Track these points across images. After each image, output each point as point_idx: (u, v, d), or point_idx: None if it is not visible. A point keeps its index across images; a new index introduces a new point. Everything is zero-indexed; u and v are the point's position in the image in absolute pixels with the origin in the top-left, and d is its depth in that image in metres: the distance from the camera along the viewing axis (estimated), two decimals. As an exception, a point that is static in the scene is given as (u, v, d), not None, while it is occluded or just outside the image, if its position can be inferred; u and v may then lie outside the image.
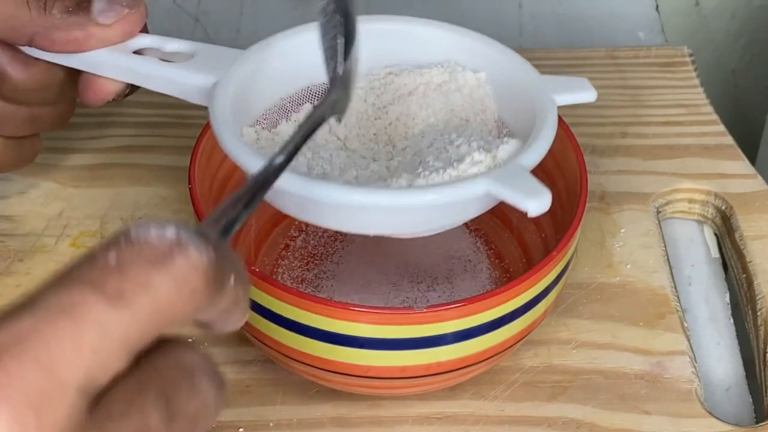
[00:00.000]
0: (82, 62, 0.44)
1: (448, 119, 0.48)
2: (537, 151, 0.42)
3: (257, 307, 0.43)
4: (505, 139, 0.44)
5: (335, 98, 0.39)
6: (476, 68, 0.49)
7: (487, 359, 0.44)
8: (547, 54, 0.67)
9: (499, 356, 0.45)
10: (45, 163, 0.58)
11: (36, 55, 0.45)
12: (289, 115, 0.47)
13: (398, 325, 0.42)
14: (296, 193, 0.39)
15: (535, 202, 0.38)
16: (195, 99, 0.45)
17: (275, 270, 0.52)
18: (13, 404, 0.21)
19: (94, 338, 0.23)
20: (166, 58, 0.46)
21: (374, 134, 0.48)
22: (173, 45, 0.46)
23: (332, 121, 0.44)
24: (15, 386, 0.21)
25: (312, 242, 0.53)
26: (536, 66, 0.48)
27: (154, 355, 0.26)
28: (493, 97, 0.48)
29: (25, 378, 0.22)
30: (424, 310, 0.41)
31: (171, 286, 0.25)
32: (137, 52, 0.45)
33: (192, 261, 0.25)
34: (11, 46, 0.45)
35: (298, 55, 0.47)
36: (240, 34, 0.72)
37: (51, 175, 0.58)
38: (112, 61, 0.44)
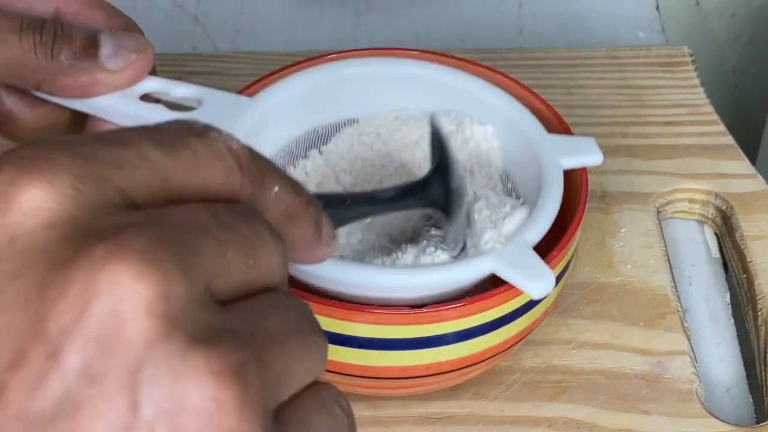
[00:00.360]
0: (89, 107, 0.44)
1: None
2: (541, 228, 0.42)
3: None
4: (510, 207, 0.44)
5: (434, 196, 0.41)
6: (484, 120, 0.49)
7: (487, 359, 0.44)
8: (547, 54, 0.67)
9: (499, 356, 0.45)
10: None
11: (43, 97, 0.44)
12: (296, 160, 0.48)
13: (398, 325, 0.41)
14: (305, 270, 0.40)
15: (539, 284, 0.40)
16: None
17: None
18: (53, 181, 0.24)
19: (135, 160, 0.25)
20: (173, 101, 0.46)
21: (379, 181, 0.48)
22: (180, 90, 0.45)
23: (339, 171, 0.45)
24: (58, 169, 0.24)
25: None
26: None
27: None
28: (499, 151, 0.48)
29: (70, 167, 0.24)
30: (424, 310, 0.41)
31: (207, 150, 0.26)
32: (144, 96, 0.45)
33: (225, 140, 0.27)
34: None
35: (301, 100, 0.47)
36: (240, 34, 0.72)
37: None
38: (120, 108, 0.44)
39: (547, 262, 0.43)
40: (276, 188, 0.28)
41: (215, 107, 0.45)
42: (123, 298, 0.22)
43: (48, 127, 0.46)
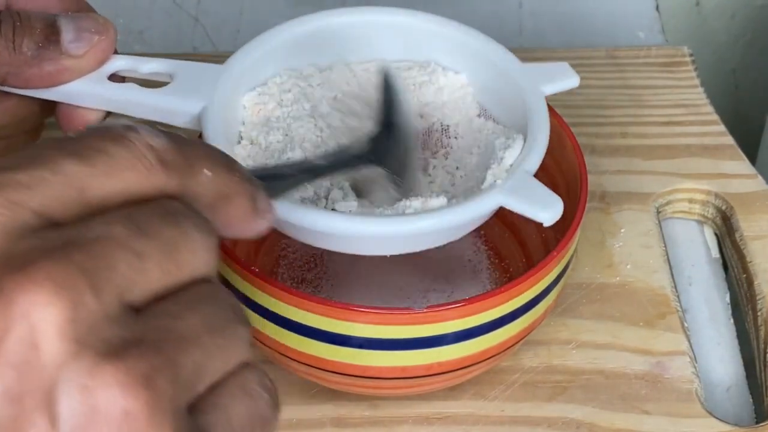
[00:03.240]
0: (58, 95, 0.43)
1: (430, 120, 0.48)
2: (538, 154, 0.43)
3: (257, 308, 0.43)
4: (505, 140, 0.45)
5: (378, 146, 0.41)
6: (457, 64, 0.48)
7: (487, 359, 0.44)
8: (547, 53, 0.67)
9: (499, 356, 0.45)
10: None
11: (10, 91, 0.44)
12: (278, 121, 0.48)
13: (398, 325, 0.41)
14: (305, 227, 0.40)
15: (549, 212, 0.40)
16: (180, 123, 0.44)
17: (275, 270, 0.52)
18: None
19: (47, 176, 0.26)
20: (144, 78, 0.45)
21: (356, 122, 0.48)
22: (149, 65, 0.45)
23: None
24: None
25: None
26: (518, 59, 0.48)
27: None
28: (475, 95, 0.48)
29: None
30: (424, 310, 0.41)
31: (124, 153, 0.27)
32: (113, 76, 0.44)
33: (144, 139, 0.27)
34: None
35: (272, 58, 0.47)
36: (240, 34, 0.72)
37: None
38: (90, 91, 0.43)
39: (547, 262, 0.43)
40: (206, 171, 0.28)
41: (188, 79, 0.44)
42: (35, 326, 0.24)
43: (17, 120, 0.45)
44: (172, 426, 0.25)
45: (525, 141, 0.44)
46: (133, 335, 0.25)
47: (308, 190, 0.43)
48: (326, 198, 0.44)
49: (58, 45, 0.42)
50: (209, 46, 0.72)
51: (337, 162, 0.40)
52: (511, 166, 0.43)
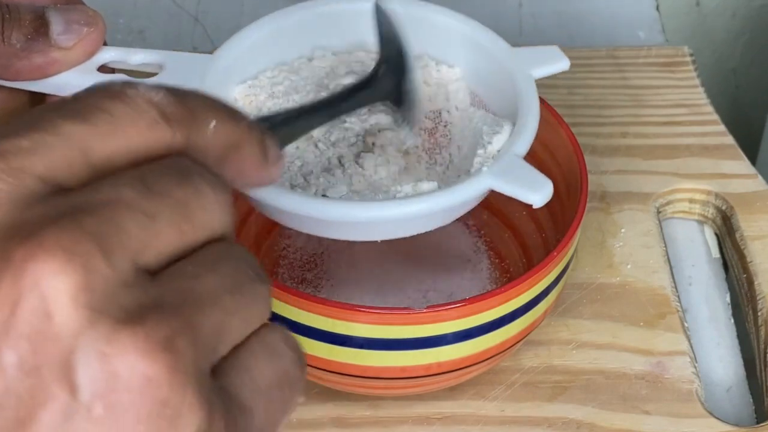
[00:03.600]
0: (47, 87, 0.43)
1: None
2: (527, 137, 0.43)
3: (257, 307, 0.43)
4: (495, 126, 0.45)
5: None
6: (445, 50, 0.48)
7: (487, 359, 0.44)
8: (548, 54, 0.67)
9: (499, 356, 0.45)
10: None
11: (1, 83, 0.43)
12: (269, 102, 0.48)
13: (398, 325, 0.41)
14: (297, 213, 0.39)
15: (539, 194, 0.40)
16: None
17: (275, 270, 0.52)
18: None
19: (49, 138, 0.25)
20: (133, 69, 0.45)
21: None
22: (138, 57, 0.45)
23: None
24: None
25: (312, 242, 0.53)
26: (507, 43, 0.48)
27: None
28: (467, 80, 0.48)
29: None
30: (424, 310, 0.41)
31: (124, 109, 0.26)
32: (102, 67, 0.44)
33: (144, 94, 0.26)
34: None
35: (262, 47, 0.47)
36: (240, 34, 0.72)
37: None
38: (79, 83, 0.43)
39: (547, 262, 0.43)
40: (212, 123, 0.28)
41: (177, 70, 0.44)
42: (47, 295, 0.23)
43: (7, 112, 0.45)
44: (195, 389, 0.24)
45: (514, 126, 0.44)
46: (150, 299, 0.24)
47: (298, 177, 0.43)
48: (315, 184, 0.44)
49: (47, 37, 0.42)
50: (209, 46, 0.72)
51: (341, 101, 0.39)
52: (498, 151, 0.43)
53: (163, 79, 0.44)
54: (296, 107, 0.36)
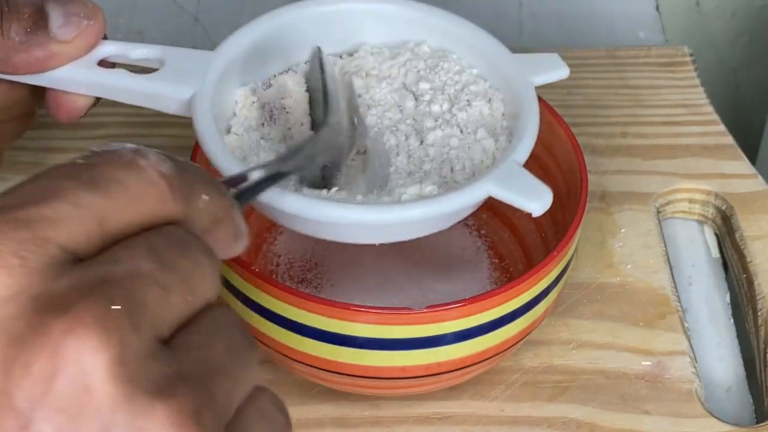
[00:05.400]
0: (48, 80, 0.43)
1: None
2: (528, 144, 0.43)
3: (257, 307, 0.43)
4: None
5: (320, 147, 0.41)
6: (445, 47, 0.48)
7: (487, 359, 0.44)
8: (548, 54, 0.67)
9: (499, 356, 0.45)
10: (40, 162, 0.58)
11: (1, 77, 0.43)
12: (272, 112, 0.47)
13: (398, 325, 0.41)
14: (296, 215, 0.39)
15: (538, 203, 0.40)
16: (171, 110, 0.44)
17: (275, 270, 0.52)
18: (2, 254, 0.25)
19: (70, 210, 0.26)
20: (134, 64, 0.45)
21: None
22: (139, 51, 0.44)
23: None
24: (3, 241, 0.25)
25: (312, 242, 0.53)
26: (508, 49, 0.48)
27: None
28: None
29: (12, 235, 0.25)
30: (424, 310, 0.41)
31: (138, 182, 0.27)
32: (102, 62, 0.44)
33: (155, 164, 0.27)
34: None
35: (265, 45, 0.47)
36: (240, 34, 0.72)
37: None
38: (79, 77, 0.43)
39: (547, 262, 0.43)
40: (204, 197, 0.29)
41: (178, 65, 0.44)
42: (86, 369, 0.24)
43: (7, 105, 0.45)
44: None
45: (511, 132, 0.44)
46: (173, 371, 0.25)
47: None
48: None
49: (46, 30, 0.42)
50: (209, 46, 0.72)
51: (292, 163, 0.40)
52: (495, 155, 0.43)
53: (164, 74, 0.44)
54: (255, 167, 0.37)
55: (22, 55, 0.42)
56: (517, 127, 0.44)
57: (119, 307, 0.24)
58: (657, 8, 0.76)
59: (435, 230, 0.43)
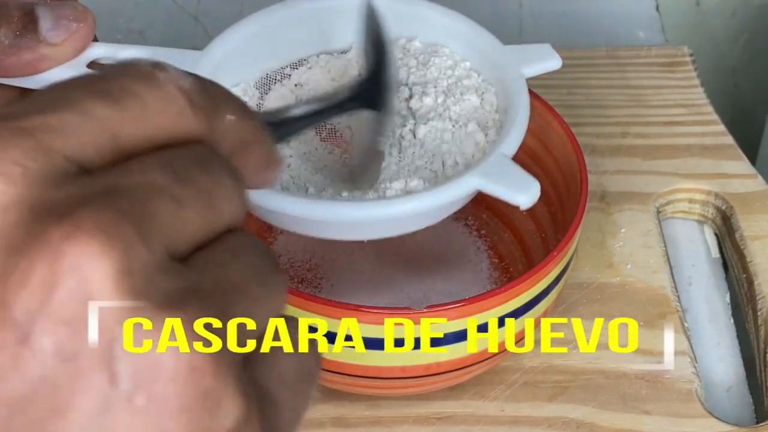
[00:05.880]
0: (37, 83, 0.43)
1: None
2: (516, 137, 0.42)
3: (257, 307, 0.43)
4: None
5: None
6: (438, 41, 0.48)
7: (487, 359, 0.44)
8: (548, 54, 0.67)
9: (499, 356, 0.45)
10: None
11: None
12: (259, 104, 0.48)
13: (398, 325, 0.41)
14: (283, 212, 0.39)
15: (525, 195, 0.39)
16: None
17: (275, 270, 0.52)
18: (3, 161, 0.23)
19: (79, 120, 0.24)
20: None
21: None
22: (128, 52, 0.45)
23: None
24: (3, 148, 0.23)
25: (312, 242, 0.53)
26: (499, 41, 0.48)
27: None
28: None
29: (13, 143, 0.24)
30: (424, 310, 0.41)
31: (155, 95, 0.25)
32: (92, 63, 0.44)
33: (174, 78, 0.26)
34: None
35: (255, 44, 0.47)
36: (240, 34, 0.72)
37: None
38: None
39: (547, 262, 0.43)
40: (230, 117, 0.27)
41: None
42: (87, 278, 0.22)
43: None
44: (235, 379, 0.24)
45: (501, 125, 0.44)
46: (186, 286, 0.24)
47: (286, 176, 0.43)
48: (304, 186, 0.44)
49: (35, 33, 0.41)
50: (209, 46, 0.72)
51: (329, 105, 0.39)
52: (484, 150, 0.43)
53: None
54: (288, 107, 0.36)
55: (11, 58, 0.42)
56: (507, 119, 0.44)
57: (124, 214, 0.23)
58: (657, 8, 0.76)
59: (424, 225, 0.43)
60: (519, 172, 0.40)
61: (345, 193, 0.42)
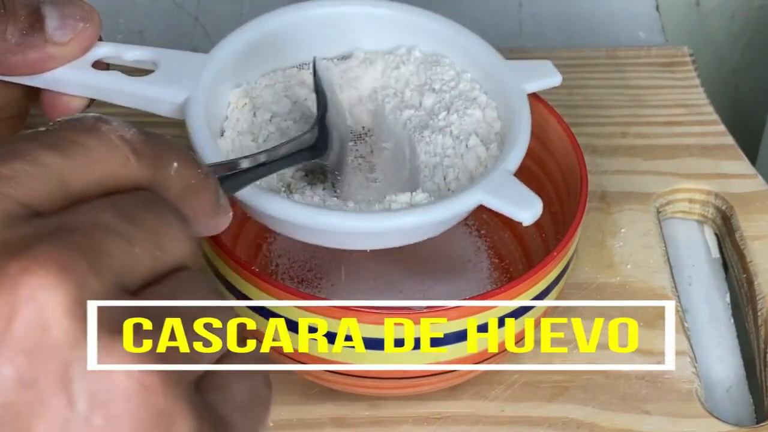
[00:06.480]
0: (43, 82, 0.43)
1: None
2: (519, 152, 0.43)
3: (257, 307, 0.43)
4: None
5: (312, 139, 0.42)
6: (438, 52, 0.48)
7: (487, 359, 0.44)
8: (547, 53, 0.67)
9: (499, 356, 0.45)
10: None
11: None
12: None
13: (398, 325, 0.41)
14: (284, 220, 0.40)
15: (528, 212, 0.40)
16: (165, 113, 0.44)
17: (275, 270, 0.52)
18: None
19: (28, 168, 0.26)
20: (128, 66, 0.45)
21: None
22: (133, 53, 0.45)
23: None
24: None
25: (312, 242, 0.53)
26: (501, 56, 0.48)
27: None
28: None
29: None
30: (424, 310, 0.41)
31: (99, 144, 0.27)
32: (97, 63, 0.44)
33: (117, 129, 0.28)
34: None
35: (261, 47, 0.47)
36: (240, 34, 0.72)
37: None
38: (74, 79, 0.43)
39: (547, 262, 0.43)
40: (175, 164, 0.29)
41: (172, 68, 0.44)
42: (43, 308, 0.24)
43: (0, 105, 0.45)
44: (187, 399, 0.25)
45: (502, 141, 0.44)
46: (136, 315, 0.25)
47: (273, 178, 0.43)
48: (288, 187, 0.44)
49: (42, 32, 0.42)
50: (209, 46, 0.71)
51: (285, 157, 0.40)
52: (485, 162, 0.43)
53: (158, 76, 0.44)
54: (245, 157, 0.37)
55: (17, 56, 0.42)
56: (509, 135, 0.44)
57: (76, 249, 0.25)
58: (657, 8, 0.76)
59: (426, 237, 0.43)
60: (522, 188, 0.41)
61: (351, 204, 0.43)
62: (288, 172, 0.44)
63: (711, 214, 0.58)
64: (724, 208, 0.58)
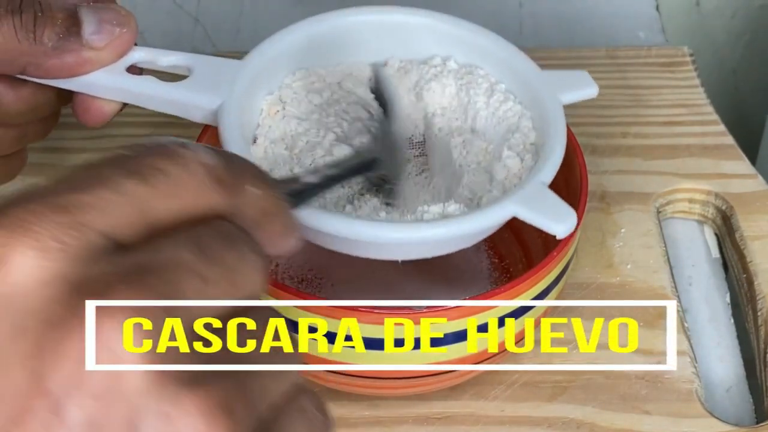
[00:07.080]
0: (77, 85, 0.43)
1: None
2: (554, 164, 0.43)
3: (257, 307, 0.43)
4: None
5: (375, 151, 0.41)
6: (473, 62, 0.48)
7: (487, 359, 0.44)
8: (548, 53, 0.67)
9: (499, 356, 0.45)
10: (45, 163, 0.58)
11: (28, 79, 0.43)
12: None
13: (398, 325, 0.41)
14: (324, 231, 0.39)
15: (563, 225, 0.40)
16: (198, 118, 0.44)
17: (275, 270, 0.52)
18: (39, 237, 0.24)
19: (111, 196, 0.26)
20: (162, 71, 0.45)
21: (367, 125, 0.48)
22: (168, 58, 0.45)
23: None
24: (43, 224, 0.25)
25: (312, 243, 0.53)
26: (537, 65, 0.48)
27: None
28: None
29: (52, 219, 0.25)
30: (424, 310, 0.41)
31: (182, 172, 0.27)
32: (131, 67, 0.44)
33: (199, 156, 0.27)
34: None
35: (294, 54, 0.47)
36: (240, 34, 0.72)
37: (51, 175, 0.58)
38: (109, 83, 0.43)
39: (547, 262, 0.43)
40: (252, 189, 0.29)
41: (206, 74, 0.44)
42: (119, 355, 0.24)
43: (33, 107, 0.45)
44: None
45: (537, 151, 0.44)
46: (208, 362, 0.25)
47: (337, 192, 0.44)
48: (351, 203, 0.44)
49: (79, 36, 0.42)
50: (209, 46, 0.72)
51: (346, 170, 0.40)
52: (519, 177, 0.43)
53: (192, 82, 0.44)
54: (305, 173, 0.37)
55: (53, 60, 0.42)
56: (544, 146, 0.44)
57: (153, 294, 0.24)
58: (657, 8, 0.76)
59: (457, 249, 0.43)
60: (557, 201, 0.41)
61: (383, 214, 0.43)
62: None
63: (711, 214, 0.58)
64: (724, 208, 0.58)
